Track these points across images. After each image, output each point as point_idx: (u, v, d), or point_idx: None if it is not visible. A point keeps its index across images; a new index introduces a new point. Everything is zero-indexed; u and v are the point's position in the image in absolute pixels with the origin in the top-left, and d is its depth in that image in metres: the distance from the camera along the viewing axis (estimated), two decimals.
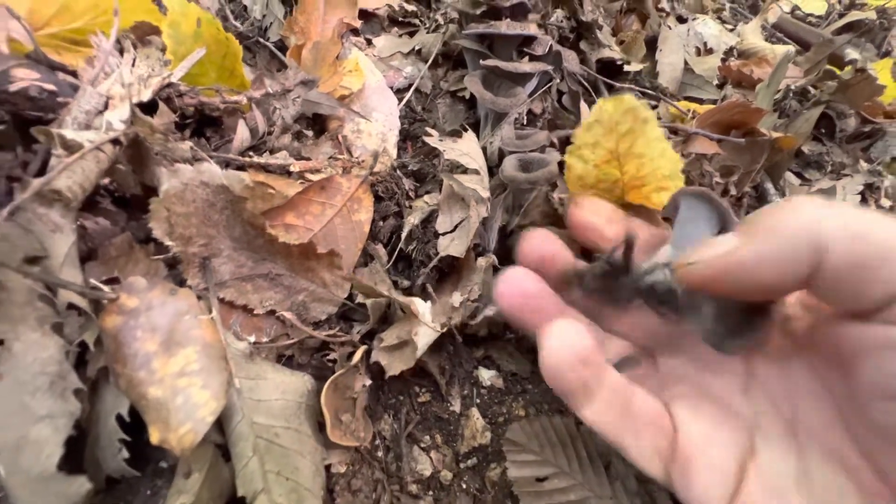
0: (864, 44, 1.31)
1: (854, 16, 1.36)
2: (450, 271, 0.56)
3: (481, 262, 0.49)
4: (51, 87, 0.41)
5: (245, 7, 0.78)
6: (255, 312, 0.42)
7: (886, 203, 0.82)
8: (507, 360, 0.56)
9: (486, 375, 0.54)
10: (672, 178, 0.49)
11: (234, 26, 0.73)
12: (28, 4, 0.45)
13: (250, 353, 0.39)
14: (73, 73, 0.44)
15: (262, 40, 0.72)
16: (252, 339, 0.41)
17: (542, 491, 0.47)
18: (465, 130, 0.61)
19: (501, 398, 0.53)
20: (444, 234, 0.54)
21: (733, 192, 0.78)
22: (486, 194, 0.53)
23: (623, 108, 0.47)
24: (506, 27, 0.61)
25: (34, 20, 0.45)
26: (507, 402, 0.53)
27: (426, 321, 0.47)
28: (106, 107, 0.43)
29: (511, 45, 0.66)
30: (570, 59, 0.69)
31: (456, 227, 0.55)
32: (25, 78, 0.39)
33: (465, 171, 0.57)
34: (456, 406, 0.52)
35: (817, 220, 0.25)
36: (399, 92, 0.72)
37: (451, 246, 0.52)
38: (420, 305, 0.48)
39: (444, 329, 0.48)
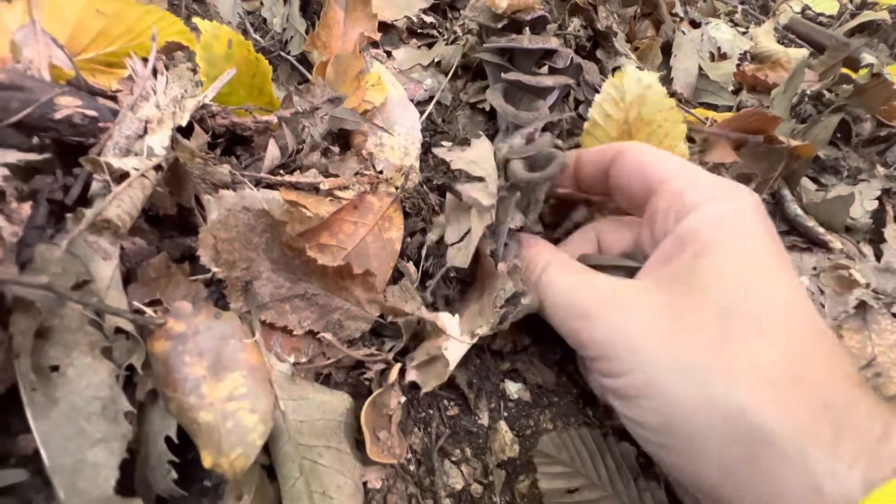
0: (876, 44, 1.31)
1: (866, 16, 1.35)
2: (472, 281, 0.56)
3: (502, 267, 0.49)
4: (92, 112, 0.42)
5: (265, 20, 0.78)
6: (293, 333, 0.43)
7: None
8: (532, 372, 0.57)
9: (513, 388, 0.55)
10: (679, 146, 0.60)
11: (256, 40, 0.74)
12: (68, 32, 0.46)
13: (292, 374, 0.40)
14: (112, 98, 0.45)
15: (283, 54, 0.73)
16: (292, 359, 0.42)
17: (571, 502, 0.48)
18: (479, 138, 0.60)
19: (529, 411, 0.54)
20: (451, 244, 0.54)
21: None
22: (488, 201, 0.51)
23: (627, 75, 0.58)
24: (528, 41, 0.62)
25: (73, 46, 0.46)
26: (535, 415, 0.54)
27: (454, 335, 0.48)
28: (145, 131, 0.43)
29: (532, 58, 0.66)
30: (591, 72, 0.70)
31: (463, 237, 0.54)
32: (69, 105, 0.40)
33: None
34: (484, 419, 0.53)
35: None
36: (420, 104, 0.73)
37: (458, 256, 0.52)
38: (447, 320, 0.49)
39: (475, 340, 0.48)
